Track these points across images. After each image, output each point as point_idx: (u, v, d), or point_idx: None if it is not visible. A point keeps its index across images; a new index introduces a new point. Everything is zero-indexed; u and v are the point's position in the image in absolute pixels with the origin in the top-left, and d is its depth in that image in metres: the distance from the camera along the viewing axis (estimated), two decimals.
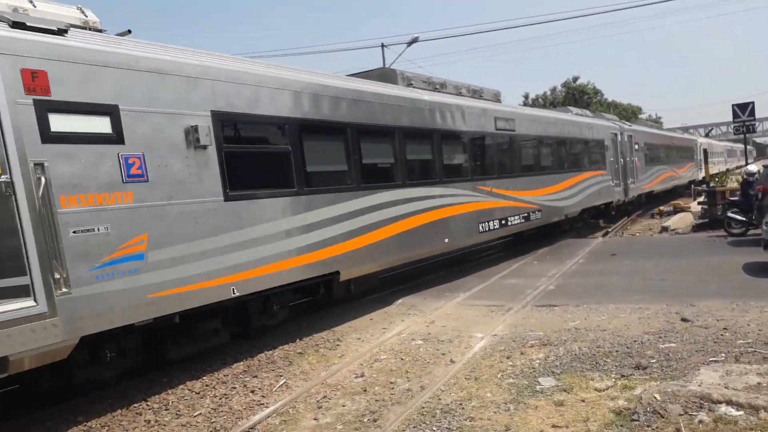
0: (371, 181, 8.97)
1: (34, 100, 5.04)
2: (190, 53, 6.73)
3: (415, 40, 28.08)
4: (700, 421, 4.23)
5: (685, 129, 58.29)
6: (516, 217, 12.93)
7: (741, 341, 6.08)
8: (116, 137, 5.64)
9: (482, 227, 11.73)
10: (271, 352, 7.45)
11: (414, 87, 10.92)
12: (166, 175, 6.04)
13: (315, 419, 5.24)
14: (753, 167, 15.40)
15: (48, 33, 5.30)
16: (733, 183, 20.59)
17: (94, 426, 5.49)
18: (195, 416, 5.56)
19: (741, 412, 4.27)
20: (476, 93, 13.07)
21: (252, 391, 6.10)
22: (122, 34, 6.40)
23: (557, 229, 16.59)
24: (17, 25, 5.12)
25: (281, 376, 6.52)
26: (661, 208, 23.52)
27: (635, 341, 6.45)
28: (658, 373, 5.43)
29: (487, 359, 6.41)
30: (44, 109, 5.10)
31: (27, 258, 4.89)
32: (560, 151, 15.76)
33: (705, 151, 24.20)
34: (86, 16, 6.26)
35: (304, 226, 7.64)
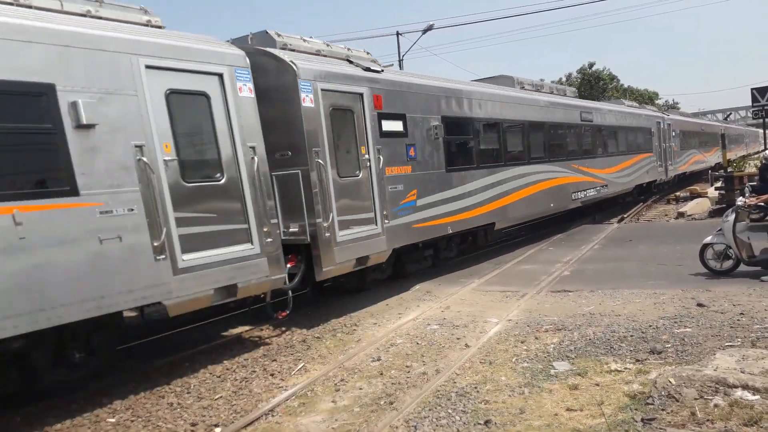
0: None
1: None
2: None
3: (430, 28, 27.91)
4: (716, 405, 4.24)
5: (704, 114, 57.34)
6: None
7: (758, 326, 6.07)
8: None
9: None
10: (289, 336, 7.58)
11: None
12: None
13: (333, 402, 5.35)
14: None
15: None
16: (751, 168, 20.31)
17: (118, 408, 5.64)
18: (216, 399, 5.70)
19: (757, 397, 4.28)
20: None
21: (271, 375, 6.22)
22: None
23: None
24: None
25: (300, 359, 6.65)
26: (678, 193, 23.33)
27: (650, 326, 6.46)
28: (673, 358, 5.45)
29: (501, 344, 6.47)
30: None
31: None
32: None
33: (722, 136, 23.49)
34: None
35: None
